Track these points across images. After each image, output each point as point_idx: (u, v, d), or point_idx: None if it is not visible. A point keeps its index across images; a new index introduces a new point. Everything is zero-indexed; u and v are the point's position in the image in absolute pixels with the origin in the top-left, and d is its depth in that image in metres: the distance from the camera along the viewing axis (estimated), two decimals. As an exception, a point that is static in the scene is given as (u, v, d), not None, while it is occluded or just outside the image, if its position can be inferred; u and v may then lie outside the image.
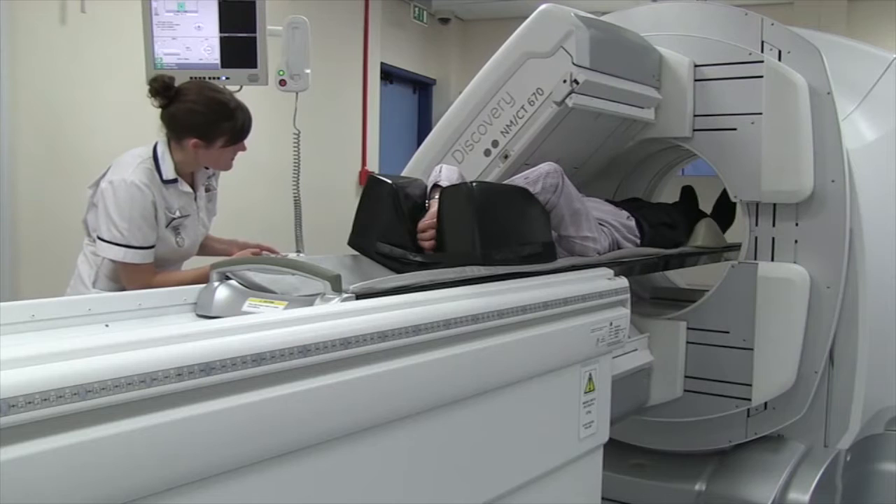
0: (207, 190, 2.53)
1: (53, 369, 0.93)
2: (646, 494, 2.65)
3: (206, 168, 2.47)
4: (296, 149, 3.09)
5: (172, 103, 2.30)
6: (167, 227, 2.33)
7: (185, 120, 2.29)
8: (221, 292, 1.67)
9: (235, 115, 2.32)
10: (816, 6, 6.16)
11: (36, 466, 0.89)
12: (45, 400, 0.90)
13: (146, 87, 2.38)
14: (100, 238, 2.26)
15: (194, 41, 3.06)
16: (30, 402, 0.88)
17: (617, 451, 2.60)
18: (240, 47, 3.08)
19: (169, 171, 2.31)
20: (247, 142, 2.41)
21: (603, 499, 2.18)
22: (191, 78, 2.56)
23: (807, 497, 2.43)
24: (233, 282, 1.71)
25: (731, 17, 2.69)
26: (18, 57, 3.55)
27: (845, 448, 2.63)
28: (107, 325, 1.50)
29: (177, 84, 2.33)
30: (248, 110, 2.38)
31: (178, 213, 2.35)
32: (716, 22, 2.71)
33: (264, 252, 2.39)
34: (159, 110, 2.34)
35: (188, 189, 2.39)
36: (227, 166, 2.45)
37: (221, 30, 3.05)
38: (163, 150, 2.33)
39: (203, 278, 2.36)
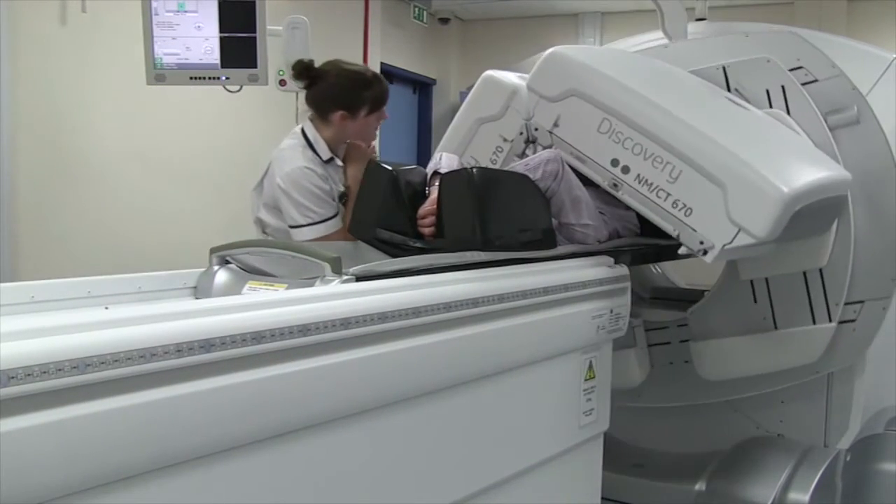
0: None
1: (53, 342, 0.92)
2: (646, 494, 2.65)
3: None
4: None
5: (315, 84, 2.40)
6: (336, 201, 2.41)
7: (329, 95, 2.39)
8: (221, 276, 1.68)
9: (373, 83, 2.43)
10: (816, 6, 6.16)
11: (34, 439, 0.89)
12: (45, 373, 0.90)
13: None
14: (295, 226, 2.33)
15: (194, 41, 3.06)
16: (29, 375, 0.88)
17: (617, 451, 2.60)
18: (240, 47, 3.09)
19: (325, 152, 2.40)
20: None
21: (603, 499, 2.18)
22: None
23: (807, 497, 2.43)
24: (232, 266, 1.71)
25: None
26: (19, 57, 3.55)
27: (845, 448, 2.63)
28: (106, 308, 1.50)
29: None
30: (384, 79, 2.48)
31: (342, 187, 2.43)
32: None
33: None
34: (300, 94, 2.46)
35: (341, 164, 2.46)
36: (373, 136, 2.53)
37: (221, 30, 3.06)
38: (313, 133, 2.40)
39: None
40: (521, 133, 2.33)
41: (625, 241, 2.41)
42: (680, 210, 2.02)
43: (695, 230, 1.99)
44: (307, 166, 2.32)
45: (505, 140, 2.37)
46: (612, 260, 2.12)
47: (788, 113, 2.48)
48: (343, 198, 2.40)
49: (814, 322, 2.45)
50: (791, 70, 2.52)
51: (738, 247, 1.94)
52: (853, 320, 2.48)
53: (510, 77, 2.43)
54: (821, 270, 2.45)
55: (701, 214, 1.98)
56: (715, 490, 2.54)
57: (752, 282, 2.52)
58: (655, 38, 3.05)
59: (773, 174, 1.93)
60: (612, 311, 2.01)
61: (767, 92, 2.52)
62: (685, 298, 3.10)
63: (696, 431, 2.76)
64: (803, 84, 2.51)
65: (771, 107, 2.51)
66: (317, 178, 2.32)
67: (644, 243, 2.54)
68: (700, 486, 2.59)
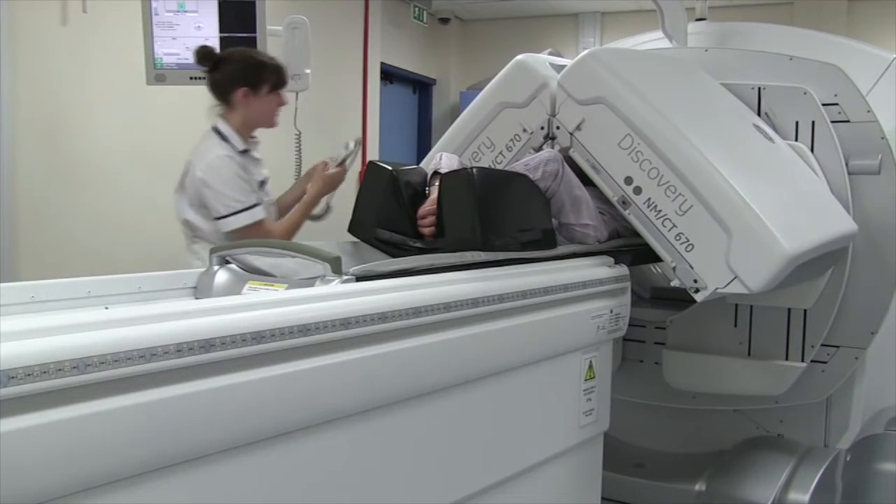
0: None
1: (53, 342, 0.93)
2: (646, 494, 2.65)
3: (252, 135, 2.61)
4: (297, 150, 3.10)
5: (218, 67, 2.50)
6: (258, 189, 2.48)
7: (232, 75, 2.49)
8: (221, 276, 1.69)
9: (273, 63, 2.54)
10: (816, 6, 6.17)
11: (34, 439, 0.89)
12: (45, 373, 0.90)
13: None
14: (219, 218, 2.37)
15: (194, 41, 3.05)
16: (29, 375, 0.88)
17: (617, 451, 2.60)
18: (240, 47, 3.08)
19: (239, 143, 2.48)
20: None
21: (603, 499, 2.18)
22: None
23: (807, 497, 2.43)
24: (232, 266, 1.72)
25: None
26: (19, 57, 3.55)
27: (845, 448, 2.63)
28: (106, 308, 1.50)
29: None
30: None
31: (261, 177, 2.52)
32: None
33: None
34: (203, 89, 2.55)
35: (258, 155, 2.56)
36: (273, 120, 2.59)
37: (221, 30, 3.05)
38: (225, 128, 2.49)
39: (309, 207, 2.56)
40: (543, 128, 2.30)
41: (625, 241, 2.41)
42: (682, 244, 2.03)
43: (692, 267, 2.01)
44: (226, 154, 2.40)
45: (525, 130, 2.33)
46: (612, 260, 2.12)
47: (812, 149, 2.48)
48: (263, 185, 2.49)
49: (786, 358, 2.48)
50: (825, 105, 2.51)
51: (730, 293, 1.98)
52: (824, 362, 2.52)
53: (543, 67, 2.36)
54: (805, 311, 2.46)
55: (701, 253, 2.00)
56: (715, 490, 2.54)
57: (736, 305, 2.54)
58: (655, 37, 3.05)
59: (779, 229, 1.93)
60: (612, 311, 2.01)
61: (797, 124, 2.52)
62: (685, 298, 3.10)
63: (696, 431, 2.76)
64: (834, 122, 2.50)
65: (796, 139, 2.51)
66: (235, 165, 2.39)
67: (644, 243, 2.54)
68: (700, 486, 2.59)
